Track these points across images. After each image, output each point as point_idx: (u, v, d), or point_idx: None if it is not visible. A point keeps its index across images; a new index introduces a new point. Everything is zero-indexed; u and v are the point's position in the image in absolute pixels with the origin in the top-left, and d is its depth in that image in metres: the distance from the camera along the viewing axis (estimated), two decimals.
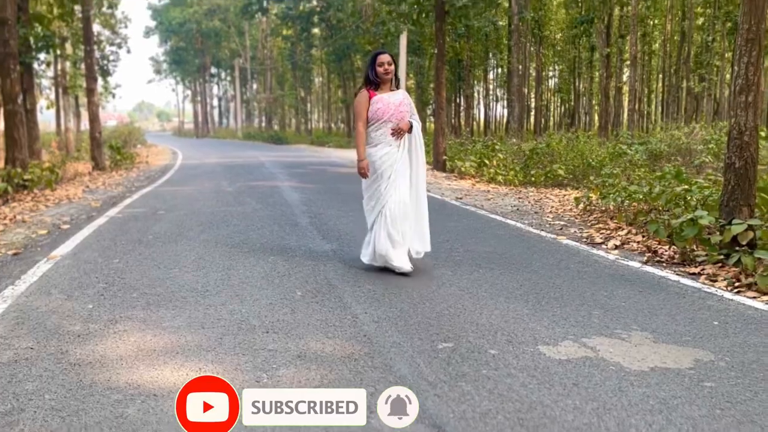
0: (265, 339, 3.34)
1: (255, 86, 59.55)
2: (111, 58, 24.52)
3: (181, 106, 78.00)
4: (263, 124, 54.99)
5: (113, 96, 26.04)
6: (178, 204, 9.28)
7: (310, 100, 53.19)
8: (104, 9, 24.24)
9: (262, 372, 2.90)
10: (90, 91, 17.11)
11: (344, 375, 2.86)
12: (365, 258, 4.89)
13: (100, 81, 21.55)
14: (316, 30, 44.12)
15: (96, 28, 21.58)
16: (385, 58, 4.67)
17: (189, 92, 68.48)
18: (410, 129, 4.76)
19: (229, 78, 62.68)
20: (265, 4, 45.80)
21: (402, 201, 4.69)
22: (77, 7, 17.74)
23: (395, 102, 4.68)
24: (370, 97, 4.69)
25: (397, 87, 4.82)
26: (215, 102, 70.19)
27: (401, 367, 2.95)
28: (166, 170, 17.26)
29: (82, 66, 19.56)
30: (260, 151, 28.19)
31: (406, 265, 4.66)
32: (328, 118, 51.07)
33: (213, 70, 61.99)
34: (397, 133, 4.68)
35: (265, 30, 50.60)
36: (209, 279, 4.66)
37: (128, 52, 26.13)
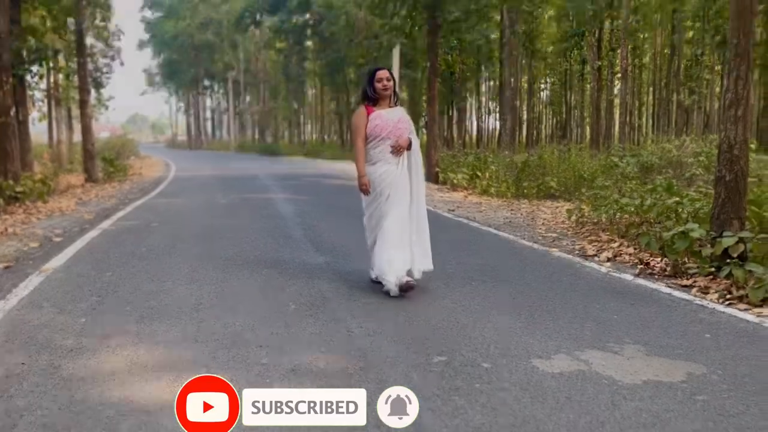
0: (259, 353, 3.33)
1: (248, 98, 59.62)
2: (104, 70, 24.41)
3: (175, 118, 77.96)
4: (256, 136, 54.98)
5: (106, 108, 25.87)
6: (172, 216, 9.26)
7: (303, 112, 53.30)
8: (97, 21, 24.18)
9: (256, 386, 2.89)
10: (83, 103, 17.08)
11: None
12: (371, 274, 4.82)
13: (93, 93, 21.48)
14: (309, 43, 44.27)
15: (89, 40, 21.48)
16: (383, 74, 4.58)
17: (182, 104, 68.48)
18: (409, 146, 4.66)
19: (222, 90, 62.68)
20: (258, 17, 45.96)
21: (401, 219, 4.60)
22: (70, 20, 17.74)
23: (394, 119, 4.59)
24: (368, 114, 4.58)
25: (396, 103, 4.74)
26: (208, 114, 70.15)
27: (395, 382, 2.95)
28: (159, 182, 17.22)
29: (75, 78, 19.52)
30: (254, 163, 28.17)
31: (404, 280, 4.50)
32: (321, 130, 51.16)
33: (206, 82, 61.95)
34: (397, 150, 4.57)
35: (258, 43, 50.71)
36: (203, 292, 4.64)
37: (121, 64, 25.98)
